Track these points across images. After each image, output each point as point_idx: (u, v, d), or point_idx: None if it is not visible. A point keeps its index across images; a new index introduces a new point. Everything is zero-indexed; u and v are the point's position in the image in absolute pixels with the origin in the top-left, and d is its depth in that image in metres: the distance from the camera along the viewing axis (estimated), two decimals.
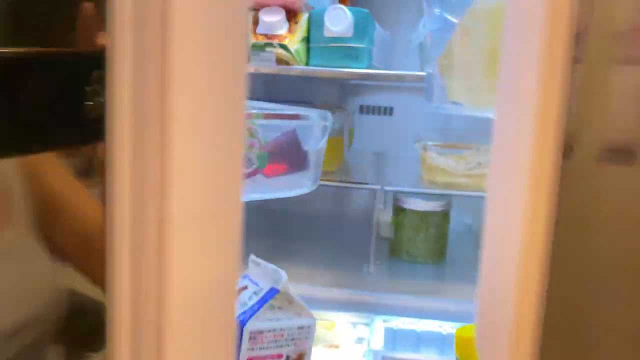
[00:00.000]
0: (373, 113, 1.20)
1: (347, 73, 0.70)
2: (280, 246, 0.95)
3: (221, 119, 0.21)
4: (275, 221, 1.12)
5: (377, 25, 0.78)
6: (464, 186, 0.78)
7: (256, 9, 0.70)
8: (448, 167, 0.77)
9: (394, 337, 0.79)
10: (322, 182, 0.81)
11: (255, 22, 0.70)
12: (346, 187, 0.93)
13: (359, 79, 0.72)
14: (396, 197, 0.92)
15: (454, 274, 0.90)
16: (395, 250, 0.94)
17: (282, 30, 0.69)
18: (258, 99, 1.17)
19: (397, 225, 0.93)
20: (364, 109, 1.20)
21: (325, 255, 0.91)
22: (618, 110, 0.25)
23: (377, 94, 1.18)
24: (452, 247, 0.96)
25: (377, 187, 0.78)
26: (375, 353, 0.69)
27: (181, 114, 0.18)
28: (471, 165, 0.77)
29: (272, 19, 0.68)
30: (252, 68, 0.71)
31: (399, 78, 0.74)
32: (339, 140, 0.84)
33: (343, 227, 1.10)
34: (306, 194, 1.19)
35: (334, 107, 0.91)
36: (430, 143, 0.78)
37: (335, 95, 1.19)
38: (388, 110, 1.19)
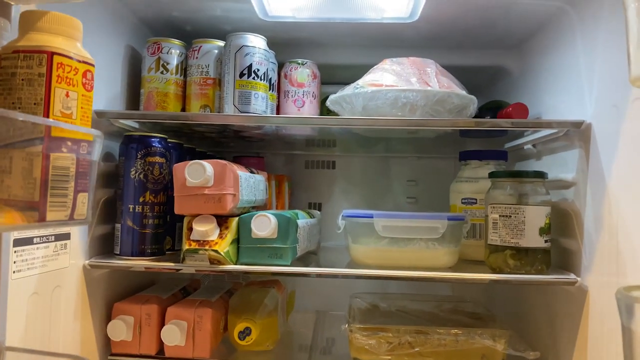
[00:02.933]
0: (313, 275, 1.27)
1: (273, 271, 0.79)
2: None
3: None
4: None
5: (302, 215, 0.88)
6: None
7: (192, 216, 0.79)
8: (370, 347, 0.84)
9: None
10: None
11: (190, 228, 0.79)
12: None
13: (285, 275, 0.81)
14: None
15: None
16: None
17: (214, 237, 0.78)
18: None
19: None
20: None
21: None
22: None
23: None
24: None
25: None
26: None
27: None
28: (393, 346, 0.84)
29: (204, 228, 0.77)
30: (190, 269, 0.79)
31: (319, 274, 0.83)
32: (272, 320, 0.90)
33: None
34: None
35: (270, 286, 0.98)
36: (356, 325, 0.85)
37: None
38: None
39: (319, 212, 1.07)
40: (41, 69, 0.47)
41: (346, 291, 1.13)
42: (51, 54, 0.48)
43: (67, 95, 0.49)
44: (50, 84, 0.47)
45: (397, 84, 0.80)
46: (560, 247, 0.83)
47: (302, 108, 0.97)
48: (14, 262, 0.64)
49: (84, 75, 0.50)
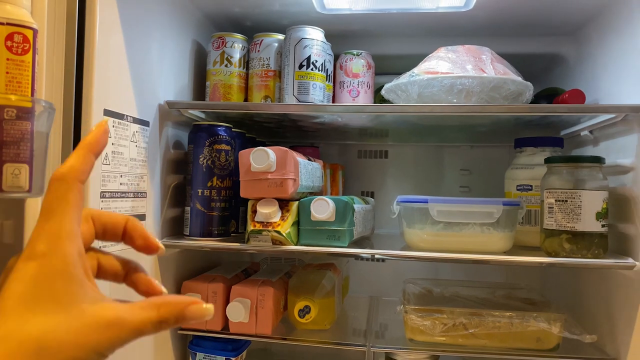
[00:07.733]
0: (367, 259, 1.31)
1: (331, 252, 0.83)
2: None
3: None
4: None
5: (357, 201, 0.91)
6: (440, 344, 0.87)
7: (256, 200, 0.84)
8: (425, 328, 0.86)
9: None
10: (313, 345, 0.90)
11: (254, 211, 0.83)
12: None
13: (343, 255, 0.84)
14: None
15: None
16: None
17: (276, 219, 0.82)
18: None
19: None
20: (359, 256, 1.31)
21: None
22: None
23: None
24: None
25: (364, 348, 0.87)
26: None
27: None
28: (447, 327, 0.86)
29: (267, 210, 0.82)
30: (253, 249, 0.84)
31: (376, 255, 0.86)
32: (330, 300, 0.94)
33: None
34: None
35: (326, 267, 1.02)
36: (411, 307, 0.88)
37: None
38: (380, 258, 1.30)
39: (372, 199, 1.10)
40: None
41: (398, 277, 1.16)
42: None
43: None
44: None
45: (452, 71, 0.82)
46: (618, 233, 0.83)
47: (356, 98, 1.00)
48: None
49: (9, 38, 0.46)
